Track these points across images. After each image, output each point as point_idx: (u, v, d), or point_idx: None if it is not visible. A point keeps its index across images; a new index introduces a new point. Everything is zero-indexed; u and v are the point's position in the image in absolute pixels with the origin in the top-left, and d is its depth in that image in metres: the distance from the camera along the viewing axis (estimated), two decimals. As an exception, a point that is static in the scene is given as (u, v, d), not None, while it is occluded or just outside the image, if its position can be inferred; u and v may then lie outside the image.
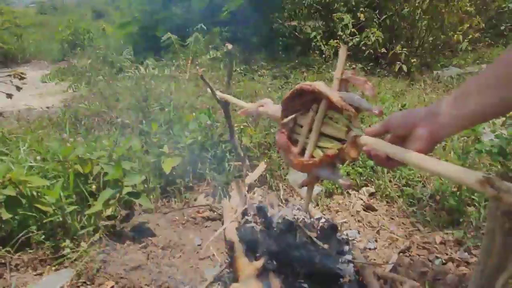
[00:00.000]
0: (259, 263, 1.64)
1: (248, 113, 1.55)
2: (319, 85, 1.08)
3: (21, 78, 3.21)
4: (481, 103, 0.69)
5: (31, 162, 2.37)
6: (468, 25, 5.98)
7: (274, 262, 1.65)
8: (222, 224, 2.22)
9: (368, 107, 0.98)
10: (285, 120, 1.20)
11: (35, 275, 1.88)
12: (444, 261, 1.89)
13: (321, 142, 1.10)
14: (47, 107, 4.79)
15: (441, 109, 0.75)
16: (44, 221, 2.00)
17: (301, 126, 1.16)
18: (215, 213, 2.45)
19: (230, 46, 2.15)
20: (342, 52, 1.07)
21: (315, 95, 1.10)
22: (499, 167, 2.45)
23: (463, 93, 0.72)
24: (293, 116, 1.18)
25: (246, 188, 2.47)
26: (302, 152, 1.14)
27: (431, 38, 6.20)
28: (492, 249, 0.67)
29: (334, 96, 1.03)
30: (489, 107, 0.69)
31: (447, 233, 2.08)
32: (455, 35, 5.85)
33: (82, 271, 1.84)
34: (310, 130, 1.12)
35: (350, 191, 2.57)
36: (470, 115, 0.72)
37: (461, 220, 2.13)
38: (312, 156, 1.10)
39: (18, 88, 3.11)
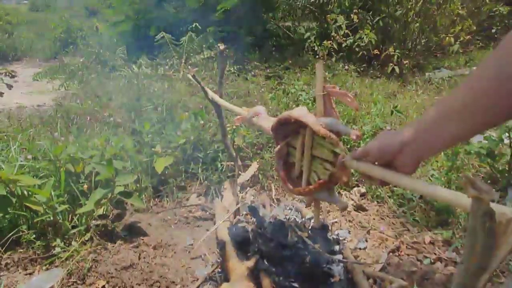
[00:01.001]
0: (250, 262, 1.65)
1: (243, 121, 1.59)
2: (301, 115, 1.12)
3: (12, 76, 3.19)
4: (457, 130, 0.69)
5: (22, 161, 2.36)
6: (459, 28, 6.04)
7: (265, 262, 1.66)
8: (214, 223, 2.23)
9: (346, 132, 1.02)
10: (277, 148, 1.24)
11: (25, 274, 1.87)
12: (432, 260, 1.91)
13: (314, 166, 1.15)
14: (39, 106, 4.75)
15: (415, 139, 0.75)
16: (35, 220, 2.00)
17: (295, 148, 1.21)
18: (207, 212, 2.45)
19: (222, 46, 2.16)
20: (319, 68, 1.09)
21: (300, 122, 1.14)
22: (487, 168, 2.49)
23: (436, 120, 0.72)
24: (285, 142, 1.23)
25: (238, 188, 2.48)
26: (300, 175, 1.19)
27: (423, 40, 6.26)
28: (475, 248, 0.69)
29: (315, 126, 1.06)
30: (466, 131, 0.69)
31: (436, 233, 2.11)
32: (447, 38, 5.91)
33: (73, 270, 1.84)
34: (303, 152, 1.17)
35: (341, 191, 2.59)
36: (448, 141, 0.72)
37: (449, 220, 2.16)
38: (309, 183, 1.15)
39: (9, 86, 3.09)
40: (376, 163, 0.86)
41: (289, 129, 1.24)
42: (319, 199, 1.22)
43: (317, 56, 6.01)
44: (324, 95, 1.11)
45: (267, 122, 1.40)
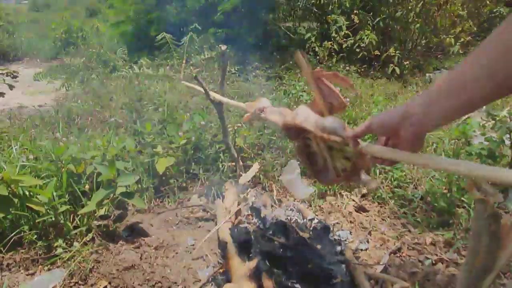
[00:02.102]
0: (252, 263, 1.65)
1: (251, 118, 1.55)
2: (301, 121, 1.07)
3: (14, 77, 3.19)
4: (457, 102, 0.70)
5: (23, 161, 2.36)
6: (460, 29, 6.06)
7: (267, 263, 1.67)
8: (216, 224, 2.23)
9: (340, 134, 0.98)
10: (296, 145, 1.19)
11: (27, 275, 1.87)
12: (434, 261, 1.91)
13: (335, 157, 1.12)
14: (40, 106, 4.75)
15: (416, 109, 0.75)
16: (37, 220, 2.00)
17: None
18: (209, 213, 2.46)
19: (223, 47, 2.16)
20: (299, 58, 1.07)
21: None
22: (488, 169, 2.49)
23: (436, 93, 0.73)
24: (299, 138, 1.18)
25: (240, 188, 2.49)
26: (325, 165, 1.15)
27: (423, 41, 6.27)
28: (479, 250, 0.69)
29: (317, 131, 1.02)
30: (465, 105, 0.70)
31: (437, 234, 2.11)
32: (447, 38, 5.92)
33: (74, 271, 1.84)
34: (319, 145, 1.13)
35: (342, 192, 2.59)
36: (449, 113, 0.72)
37: (451, 221, 2.17)
38: (338, 174, 1.12)
39: (11, 87, 3.10)
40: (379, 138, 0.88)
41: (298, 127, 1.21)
42: (355, 183, 1.19)
43: (317, 57, 6.01)
44: (317, 80, 1.09)
45: (276, 115, 1.34)
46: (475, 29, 6.35)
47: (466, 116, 3.14)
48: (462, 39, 6.06)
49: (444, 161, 0.70)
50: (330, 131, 1.00)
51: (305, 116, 1.10)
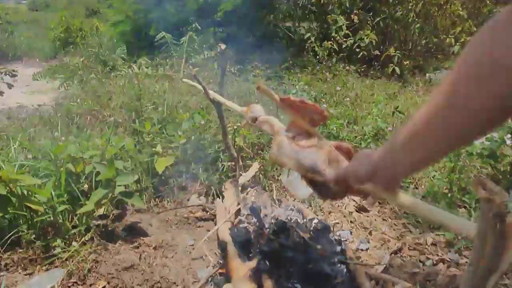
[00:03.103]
0: (252, 263, 1.64)
1: (249, 124, 1.49)
2: (276, 156, 1.00)
3: (13, 76, 3.18)
4: (423, 152, 0.68)
5: (22, 161, 2.34)
6: (460, 29, 6.05)
7: (267, 263, 1.65)
8: (215, 224, 2.22)
9: (317, 172, 0.92)
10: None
11: (25, 274, 1.86)
12: (435, 262, 1.91)
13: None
14: (39, 105, 4.73)
15: (382, 165, 0.73)
16: (35, 220, 1.98)
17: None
18: (208, 213, 2.44)
19: (223, 46, 2.15)
20: (262, 89, 1.01)
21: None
22: (489, 169, 2.48)
23: (401, 143, 0.70)
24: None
25: (239, 188, 2.47)
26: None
27: (423, 41, 6.26)
28: (484, 250, 0.67)
29: (289, 164, 0.97)
30: (431, 153, 0.68)
31: (438, 235, 2.10)
32: (447, 39, 5.91)
33: (73, 271, 1.83)
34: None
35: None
36: (416, 163, 0.71)
37: (452, 221, 2.15)
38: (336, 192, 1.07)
39: (10, 86, 3.08)
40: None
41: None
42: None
43: (317, 57, 6.00)
44: (287, 105, 1.00)
45: (268, 126, 1.26)
46: (475, 29, 6.33)
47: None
48: (462, 39, 6.05)
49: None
50: (308, 169, 0.93)
51: (278, 149, 1.00)
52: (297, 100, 0.99)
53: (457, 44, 5.90)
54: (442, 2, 5.77)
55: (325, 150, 0.93)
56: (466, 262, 1.89)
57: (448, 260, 1.91)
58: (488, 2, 6.61)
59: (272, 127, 1.16)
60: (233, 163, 2.61)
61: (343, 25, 5.97)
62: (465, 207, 2.22)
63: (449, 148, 0.67)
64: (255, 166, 2.72)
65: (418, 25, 5.86)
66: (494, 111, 0.55)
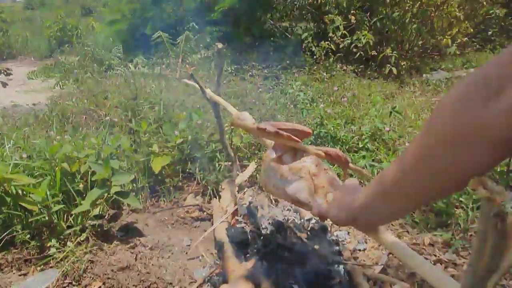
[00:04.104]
0: (249, 264, 1.63)
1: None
2: (262, 184, 1.03)
3: (7, 74, 3.15)
4: (396, 207, 0.68)
5: (16, 160, 2.32)
6: (456, 30, 6.07)
7: (264, 263, 1.64)
8: (212, 224, 2.20)
9: (303, 202, 0.92)
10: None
11: (19, 275, 1.84)
12: (432, 262, 1.90)
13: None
14: (34, 104, 4.70)
15: (360, 215, 0.74)
16: (30, 220, 1.96)
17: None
18: (205, 213, 2.43)
19: (220, 45, 2.14)
20: (237, 123, 1.05)
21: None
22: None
23: (374, 197, 0.70)
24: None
25: (236, 188, 2.46)
26: None
27: (420, 42, 6.27)
28: (484, 250, 0.67)
29: (274, 193, 1.00)
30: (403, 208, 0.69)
31: (435, 235, 2.10)
32: (444, 39, 5.93)
33: (68, 271, 1.81)
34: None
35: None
36: (390, 216, 0.74)
37: (449, 222, 2.15)
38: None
39: (4, 84, 3.05)
40: None
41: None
42: None
43: (314, 57, 6.00)
44: (263, 132, 0.98)
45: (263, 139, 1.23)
46: (471, 30, 6.38)
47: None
48: (458, 40, 6.08)
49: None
50: (294, 201, 0.93)
51: (266, 177, 1.00)
52: (272, 132, 0.96)
53: (454, 44, 5.92)
54: (438, 3, 5.79)
55: (309, 179, 0.92)
56: (463, 262, 1.89)
57: (446, 260, 1.91)
58: (484, 3, 6.65)
59: (264, 140, 1.16)
60: (230, 163, 2.60)
61: (340, 25, 5.97)
62: (462, 208, 2.22)
63: (431, 199, 0.67)
64: (252, 166, 2.71)
65: (415, 25, 5.87)
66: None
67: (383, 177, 0.66)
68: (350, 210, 0.76)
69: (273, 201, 2.44)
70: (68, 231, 2.01)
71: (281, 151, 1.01)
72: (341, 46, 5.98)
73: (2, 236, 1.91)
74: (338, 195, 0.84)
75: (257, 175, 2.71)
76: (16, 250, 1.95)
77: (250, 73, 5.56)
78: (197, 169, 2.73)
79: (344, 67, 5.65)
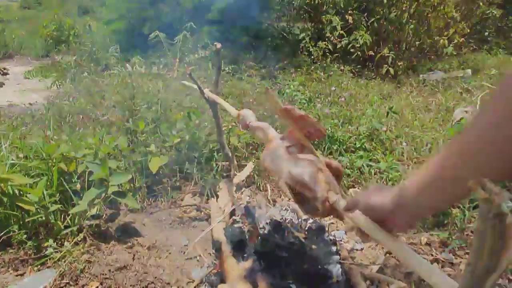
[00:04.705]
0: (247, 263, 1.63)
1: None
2: (267, 164, 1.01)
3: (4, 74, 3.13)
4: (455, 190, 0.66)
5: (13, 160, 2.30)
6: (453, 30, 6.10)
7: (262, 263, 1.65)
8: (209, 224, 2.20)
9: (309, 187, 0.89)
10: None
11: (16, 275, 1.83)
12: (429, 262, 1.91)
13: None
14: (30, 104, 4.68)
15: (410, 201, 0.71)
16: (26, 220, 1.95)
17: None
18: (202, 213, 2.43)
19: (219, 45, 2.13)
20: (270, 96, 1.02)
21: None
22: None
23: (431, 180, 0.68)
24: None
25: (234, 188, 2.46)
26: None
27: (417, 42, 6.29)
28: (483, 250, 0.67)
29: (279, 177, 0.96)
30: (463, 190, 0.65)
31: (432, 234, 2.11)
32: (441, 40, 5.95)
33: (65, 271, 1.80)
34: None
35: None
36: (448, 200, 0.70)
37: (446, 221, 2.16)
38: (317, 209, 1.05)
39: (1, 84, 3.03)
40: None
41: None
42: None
43: (312, 57, 6.00)
44: (288, 115, 0.98)
45: (261, 132, 1.27)
46: (468, 30, 6.40)
47: (461, 116, 3.16)
48: (455, 41, 6.11)
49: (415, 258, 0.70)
50: (299, 182, 0.90)
51: (271, 156, 1.00)
52: (299, 114, 0.96)
53: (450, 45, 5.94)
54: (435, 4, 5.81)
55: (318, 168, 0.91)
56: (460, 261, 1.90)
57: (442, 260, 1.92)
58: (481, 4, 6.68)
59: (265, 134, 1.15)
60: (228, 162, 2.60)
61: (338, 25, 5.98)
62: (459, 207, 2.23)
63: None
64: (249, 166, 2.71)
65: (412, 26, 5.90)
66: None
67: (439, 161, 0.66)
68: (396, 200, 0.73)
69: (271, 201, 2.45)
70: (65, 231, 2.00)
71: (290, 142, 1.01)
72: (338, 46, 5.99)
73: (-1, 236, 1.90)
74: (371, 188, 0.81)
75: (255, 175, 2.71)
76: (13, 250, 1.94)
77: (247, 73, 5.56)
78: (194, 169, 2.73)
79: (342, 67, 5.66)
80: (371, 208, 0.76)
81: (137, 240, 2.12)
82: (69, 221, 2.06)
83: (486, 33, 7.33)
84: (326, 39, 6.02)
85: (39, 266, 1.87)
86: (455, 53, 6.32)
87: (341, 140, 3.08)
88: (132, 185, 2.51)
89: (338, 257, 1.75)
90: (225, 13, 6.36)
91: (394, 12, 5.84)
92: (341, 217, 0.92)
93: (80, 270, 1.81)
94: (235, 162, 2.65)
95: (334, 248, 1.82)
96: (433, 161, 0.68)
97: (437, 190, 0.66)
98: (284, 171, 0.94)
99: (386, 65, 5.61)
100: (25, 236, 1.95)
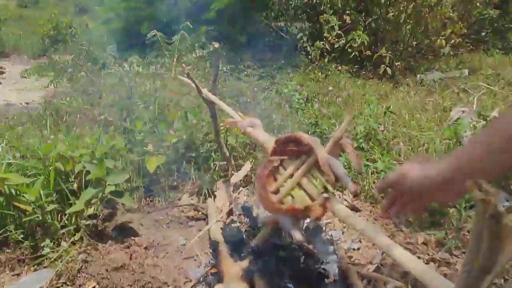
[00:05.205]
0: (244, 263, 1.63)
1: (235, 125, 1.59)
2: (314, 142, 1.14)
3: (1, 73, 3.12)
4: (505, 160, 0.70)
5: (9, 159, 2.30)
6: (450, 31, 6.11)
7: (259, 263, 1.64)
8: (207, 224, 2.20)
9: (346, 182, 1.04)
10: (273, 157, 1.24)
11: (13, 275, 1.83)
12: (426, 261, 1.91)
13: (294, 192, 1.15)
14: (27, 103, 4.66)
15: (460, 173, 0.73)
16: (23, 220, 1.95)
17: (285, 169, 1.21)
18: (200, 213, 2.43)
19: (217, 45, 2.14)
20: (347, 120, 1.22)
21: (308, 148, 1.16)
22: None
23: (482, 152, 0.71)
24: (282, 158, 1.23)
25: (231, 188, 2.46)
26: (275, 192, 1.20)
27: (414, 42, 6.31)
28: (479, 251, 0.67)
29: (322, 159, 1.09)
30: None
31: (429, 234, 2.11)
32: (438, 40, 5.97)
33: (62, 271, 1.80)
34: (291, 176, 1.17)
35: (335, 192, 2.58)
36: (499, 170, 0.73)
37: (442, 221, 2.17)
38: (282, 202, 1.16)
39: (-3, 83, 3.02)
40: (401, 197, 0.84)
41: (291, 150, 1.24)
42: (281, 224, 1.25)
43: (309, 57, 6.00)
44: (339, 143, 1.19)
45: (263, 135, 1.42)
46: (465, 31, 6.41)
47: (457, 116, 3.17)
48: (452, 41, 6.12)
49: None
50: (333, 168, 1.10)
51: (316, 144, 1.18)
52: (354, 152, 1.19)
53: (448, 45, 5.96)
54: (433, 4, 5.82)
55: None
56: (456, 261, 1.90)
57: (439, 259, 1.92)
58: (478, 4, 6.70)
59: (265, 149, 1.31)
60: (225, 162, 2.60)
61: (335, 25, 5.98)
62: (455, 207, 2.24)
63: None
64: (247, 166, 2.71)
65: (409, 26, 5.91)
66: None
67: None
68: (449, 175, 0.74)
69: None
70: (62, 231, 2.00)
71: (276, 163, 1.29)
72: (336, 46, 5.99)
73: (-5, 236, 1.90)
74: (415, 159, 0.82)
75: (252, 174, 2.71)
76: (10, 250, 1.94)
77: (245, 72, 5.56)
78: (192, 168, 2.73)
79: (339, 67, 5.66)
80: (417, 183, 0.77)
81: (134, 239, 2.12)
82: (66, 221, 2.05)
83: (483, 34, 7.35)
84: (324, 39, 6.01)
85: (35, 266, 1.86)
86: (452, 53, 6.34)
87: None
88: (129, 184, 2.50)
89: (335, 256, 1.76)
90: (222, 13, 6.35)
91: (392, 12, 5.85)
92: (314, 215, 1.12)
93: (77, 270, 1.81)
94: (233, 161, 2.65)
95: (331, 248, 1.83)
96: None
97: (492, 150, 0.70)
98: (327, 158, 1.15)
99: (383, 65, 5.62)
100: (21, 236, 1.95)
